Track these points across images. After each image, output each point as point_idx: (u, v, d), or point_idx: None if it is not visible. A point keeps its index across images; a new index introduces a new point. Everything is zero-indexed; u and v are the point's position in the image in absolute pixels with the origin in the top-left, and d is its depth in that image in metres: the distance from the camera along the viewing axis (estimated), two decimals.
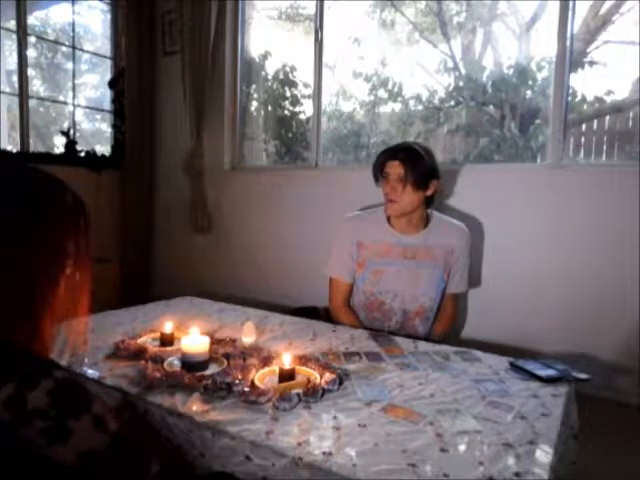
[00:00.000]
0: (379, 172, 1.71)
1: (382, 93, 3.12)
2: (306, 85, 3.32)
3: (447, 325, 1.85)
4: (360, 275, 1.77)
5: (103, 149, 3.73)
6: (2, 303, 0.62)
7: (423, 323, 1.78)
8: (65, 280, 0.67)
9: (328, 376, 1.06)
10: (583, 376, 1.14)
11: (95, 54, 3.78)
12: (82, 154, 3.39)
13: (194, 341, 1.14)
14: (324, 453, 0.80)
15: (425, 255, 1.73)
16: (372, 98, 3.17)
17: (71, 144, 3.35)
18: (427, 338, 1.72)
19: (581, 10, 2.43)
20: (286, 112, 3.51)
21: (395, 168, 1.66)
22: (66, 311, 0.68)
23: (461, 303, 2.25)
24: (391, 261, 1.73)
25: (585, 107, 2.63)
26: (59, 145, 3.51)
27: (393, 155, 1.68)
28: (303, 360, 1.15)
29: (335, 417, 0.93)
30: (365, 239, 1.74)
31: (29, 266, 0.64)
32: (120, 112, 3.58)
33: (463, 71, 2.99)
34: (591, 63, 2.53)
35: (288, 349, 1.27)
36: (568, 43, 2.27)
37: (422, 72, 3.06)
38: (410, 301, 1.74)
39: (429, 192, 1.69)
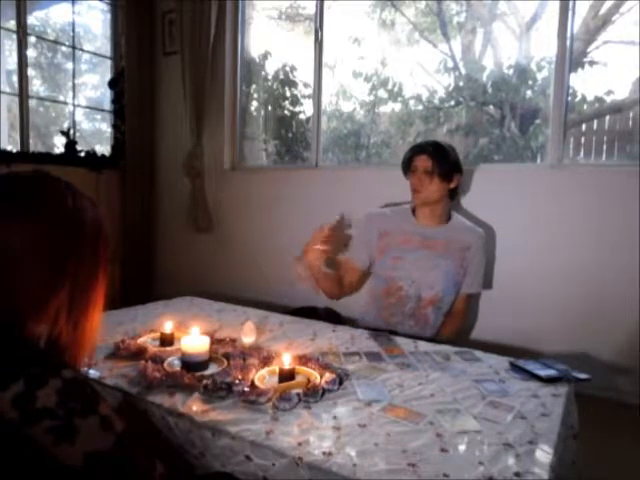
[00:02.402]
0: (407, 166, 1.85)
1: (382, 93, 3.12)
2: (306, 85, 3.32)
3: (458, 325, 1.90)
4: (380, 261, 1.85)
5: (103, 149, 3.73)
6: (15, 303, 0.63)
7: (435, 312, 1.82)
8: (79, 283, 0.68)
9: (328, 376, 1.06)
10: (583, 376, 1.14)
11: (95, 54, 3.77)
12: (82, 154, 3.39)
13: (194, 341, 1.14)
14: (324, 453, 0.80)
15: (443, 248, 1.81)
16: (372, 98, 3.17)
17: (71, 144, 3.35)
18: (434, 339, 1.72)
19: (581, 10, 2.43)
20: (286, 112, 3.50)
21: (423, 162, 1.79)
22: (81, 313, 0.69)
23: (473, 305, 2.27)
24: (411, 249, 1.82)
25: (585, 107, 2.63)
26: (59, 145, 3.51)
27: (421, 150, 1.82)
28: (303, 360, 1.15)
29: (335, 417, 0.93)
30: (388, 228, 1.86)
31: (44, 268, 0.64)
32: (120, 112, 3.58)
33: (463, 71, 2.99)
34: (591, 63, 2.53)
35: (288, 349, 1.27)
36: (568, 43, 2.27)
37: (422, 72, 3.06)
38: (425, 288, 1.80)
39: (453, 185, 1.83)
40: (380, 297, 1.86)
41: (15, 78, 3.23)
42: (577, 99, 2.56)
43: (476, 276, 1.88)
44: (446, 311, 1.85)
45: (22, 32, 3.18)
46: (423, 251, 1.80)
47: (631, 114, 2.50)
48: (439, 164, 1.77)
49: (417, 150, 1.84)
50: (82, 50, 3.65)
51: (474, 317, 2.37)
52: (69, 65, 3.56)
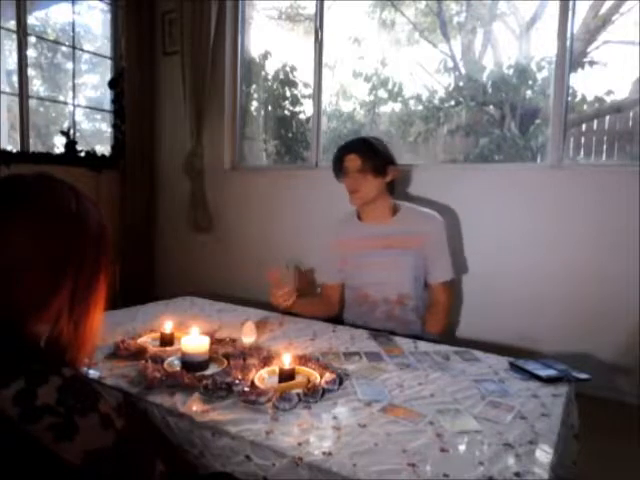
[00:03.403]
0: (338, 168, 1.80)
1: (382, 93, 3.12)
2: (306, 85, 3.32)
3: (444, 318, 1.82)
4: (345, 272, 1.84)
5: (103, 149, 3.73)
6: (16, 302, 0.63)
7: (405, 311, 1.79)
8: (81, 284, 0.68)
9: (328, 376, 1.06)
10: (583, 376, 1.14)
11: (95, 54, 3.78)
12: (82, 154, 3.39)
13: (194, 341, 1.14)
14: (324, 453, 0.80)
15: (398, 243, 1.76)
16: (372, 98, 3.17)
17: (71, 144, 3.35)
18: (423, 337, 1.71)
19: (581, 10, 2.43)
20: (286, 112, 3.51)
21: (352, 161, 1.75)
22: (82, 314, 0.69)
23: (457, 292, 2.26)
24: (368, 253, 1.78)
25: (585, 107, 2.63)
26: (59, 145, 3.51)
27: (349, 150, 1.78)
28: (303, 360, 1.15)
29: (335, 417, 0.93)
30: (345, 238, 1.84)
31: (45, 268, 0.64)
32: (120, 112, 3.58)
33: (463, 71, 2.99)
34: (591, 63, 2.53)
35: (288, 349, 1.27)
36: (568, 43, 2.28)
37: (422, 72, 3.07)
38: (390, 290, 1.78)
39: (388, 178, 1.78)
40: (353, 305, 1.85)
41: (15, 78, 3.23)
42: (577, 99, 2.56)
43: (445, 262, 1.80)
44: (415, 306, 1.80)
45: (22, 32, 3.18)
46: (381, 251, 1.76)
47: (631, 114, 2.50)
48: (369, 161, 1.72)
49: (345, 151, 1.78)
50: (82, 50, 3.65)
51: (457, 313, 2.39)
52: (69, 65, 3.56)
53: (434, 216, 1.82)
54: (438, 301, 1.80)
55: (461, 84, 2.97)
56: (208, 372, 1.09)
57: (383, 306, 1.79)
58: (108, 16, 3.72)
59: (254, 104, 3.62)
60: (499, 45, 2.97)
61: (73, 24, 3.50)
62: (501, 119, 2.83)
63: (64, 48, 3.59)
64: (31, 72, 3.38)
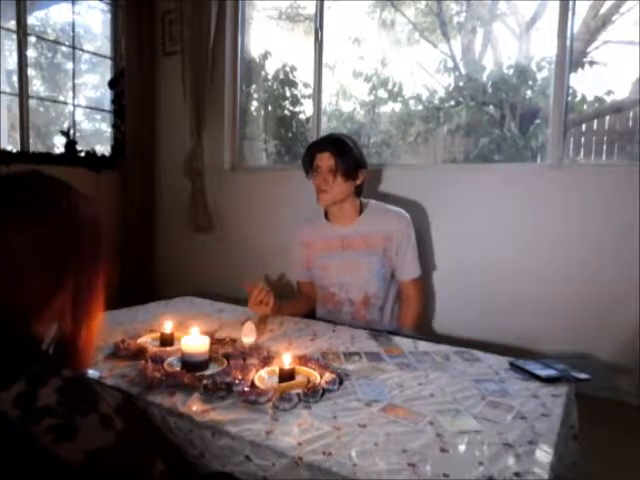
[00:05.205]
0: (309, 165, 1.76)
1: (382, 93, 3.12)
2: (306, 85, 3.32)
3: (416, 310, 1.83)
4: (312, 271, 1.85)
5: (103, 149, 3.73)
6: (16, 302, 0.63)
7: (371, 311, 1.79)
8: (81, 282, 0.68)
9: (328, 376, 1.06)
10: (583, 376, 1.14)
11: (95, 54, 3.77)
12: (82, 154, 3.39)
13: (194, 341, 1.14)
14: (324, 453, 0.80)
15: (362, 244, 1.76)
16: (372, 98, 3.17)
17: (71, 144, 3.35)
18: (397, 332, 1.68)
19: (581, 10, 2.43)
20: (286, 112, 3.51)
21: (325, 160, 1.71)
22: (84, 312, 0.69)
23: (426, 288, 2.28)
24: (331, 254, 1.78)
25: (585, 107, 2.63)
26: (59, 145, 3.51)
27: (323, 147, 1.73)
28: (303, 360, 1.15)
29: (335, 417, 0.93)
30: (310, 238, 1.84)
31: (43, 267, 0.64)
32: (120, 112, 3.58)
33: (463, 71, 2.99)
34: (591, 63, 2.53)
35: (288, 349, 1.27)
36: (568, 43, 2.27)
37: (422, 72, 3.07)
38: (354, 291, 1.78)
39: (358, 181, 1.76)
40: (321, 305, 1.87)
41: (15, 78, 3.23)
42: (577, 99, 2.56)
43: (412, 259, 1.79)
44: (382, 305, 1.80)
45: (22, 32, 3.18)
46: (344, 252, 1.76)
47: (631, 114, 2.50)
48: (342, 163, 1.68)
49: (318, 149, 1.73)
50: (82, 50, 3.65)
51: (431, 306, 2.42)
52: (69, 65, 3.56)
53: (400, 213, 1.81)
54: (410, 297, 1.82)
55: (461, 84, 2.97)
56: (208, 372, 1.09)
57: (348, 307, 1.80)
58: (108, 16, 3.72)
59: (254, 104, 3.62)
60: (499, 45, 2.97)
61: (73, 24, 3.50)
62: (501, 119, 2.83)
63: (64, 48, 3.59)
64: (31, 72, 3.37)
